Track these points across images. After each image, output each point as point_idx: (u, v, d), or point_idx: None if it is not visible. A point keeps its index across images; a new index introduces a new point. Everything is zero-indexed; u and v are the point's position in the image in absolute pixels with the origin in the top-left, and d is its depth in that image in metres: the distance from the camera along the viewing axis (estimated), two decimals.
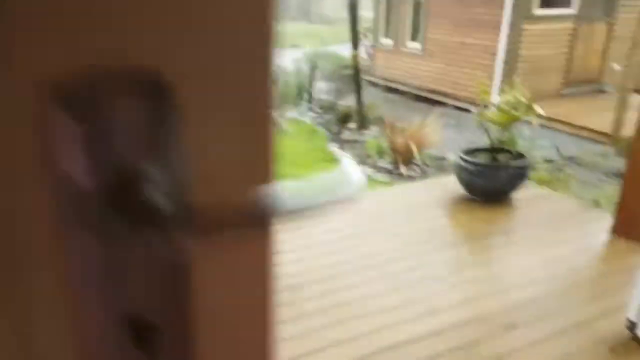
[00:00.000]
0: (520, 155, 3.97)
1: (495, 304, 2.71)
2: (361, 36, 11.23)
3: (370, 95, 9.67)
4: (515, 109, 3.71)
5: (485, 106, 3.87)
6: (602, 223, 3.37)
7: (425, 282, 2.84)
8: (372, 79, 12.03)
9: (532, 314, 2.54)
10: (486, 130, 3.84)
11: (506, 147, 3.99)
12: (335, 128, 8.54)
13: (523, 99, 3.71)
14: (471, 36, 10.00)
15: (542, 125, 4.12)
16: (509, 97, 3.69)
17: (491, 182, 3.92)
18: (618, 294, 2.55)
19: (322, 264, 2.99)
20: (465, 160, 3.95)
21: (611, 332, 2.28)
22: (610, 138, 7.31)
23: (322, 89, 10.21)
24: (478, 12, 9.86)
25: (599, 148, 7.23)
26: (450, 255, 3.37)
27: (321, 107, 9.73)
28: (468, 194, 4.02)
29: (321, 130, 8.57)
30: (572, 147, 7.25)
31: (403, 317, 2.48)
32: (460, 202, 4.17)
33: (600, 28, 9.78)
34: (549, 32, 9.41)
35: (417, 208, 4.06)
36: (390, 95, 11.34)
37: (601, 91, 10.40)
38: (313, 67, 9.97)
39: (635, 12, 9.45)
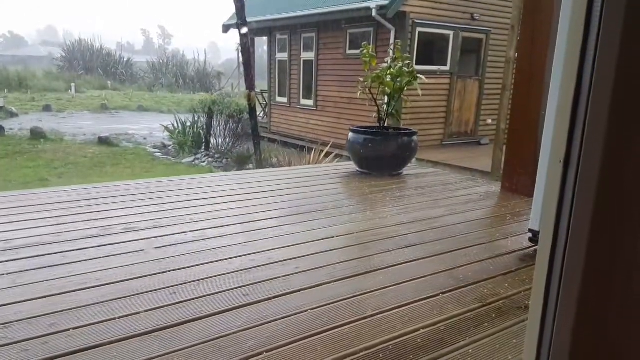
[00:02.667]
0: (409, 131, 4.03)
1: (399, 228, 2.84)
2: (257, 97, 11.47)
3: (267, 147, 9.78)
4: (400, 77, 3.80)
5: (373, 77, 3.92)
6: (488, 186, 3.96)
7: (318, 221, 3.02)
8: (269, 135, 12.17)
9: (440, 236, 2.78)
10: (373, 99, 3.88)
11: (394, 126, 4.02)
12: (233, 170, 8.38)
13: (407, 69, 3.82)
14: (357, 91, 10.60)
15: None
16: (394, 67, 3.79)
17: (382, 152, 3.90)
18: (514, 225, 2.94)
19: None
20: (357, 132, 3.92)
21: (518, 248, 2.53)
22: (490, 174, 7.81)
23: (220, 134, 10.08)
24: (362, 69, 10.53)
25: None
26: (345, 204, 3.27)
27: (218, 152, 9.59)
28: (361, 169, 3.97)
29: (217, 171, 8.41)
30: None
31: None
32: (354, 175, 4.14)
33: (472, 85, 10.84)
34: (429, 86, 10.22)
35: (312, 179, 3.96)
36: (287, 149, 11.46)
37: (478, 143, 11.31)
38: (210, 114, 9.85)
39: (499, 72, 10.69)
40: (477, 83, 10.82)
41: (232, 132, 10.09)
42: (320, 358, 1.46)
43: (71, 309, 1.69)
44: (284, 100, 12.38)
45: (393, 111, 3.98)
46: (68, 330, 1.56)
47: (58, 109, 17.96)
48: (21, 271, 1.97)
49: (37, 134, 11.62)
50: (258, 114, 12.45)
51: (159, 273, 2.03)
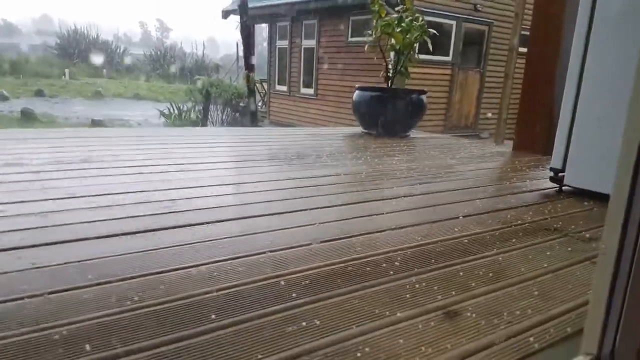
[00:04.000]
0: (419, 91, 3.86)
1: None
2: (257, 85, 11.29)
3: None
4: (410, 32, 3.64)
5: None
6: (500, 147, 4.03)
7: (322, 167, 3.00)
8: (268, 124, 11.98)
9: (455, 177, 2.78)
10: (381, 52, 3.70)
11: (401, 88, 3.85)
12: None
13: (417, 23, 3.66)
14: (359, 80, 10.40)
15: None
16: (405, 19, 3.62)
17: (389, 111, 3.73)
18: (531, 172, 2.87)
19: None
20: (364, 89, 3.74)
21: (538, 188, 2.48)
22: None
23: (217, 119, 9.86)
24: (365, 57, 10.36)
25: None
26: (351, 157, 3.12)
27: None
28: (366, 130, 3.81)
29: None
30: None
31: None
32: (360, 136, 4.00)
33: (474, 77, 10.70)
34: (431, 76, 10.08)
35: (315, 137, 3.83)
36: None
37: (477, 137, 11.16)
38: (207, 97, 9.64)
39: (500, 65, 10.57)
40: (479, 75, 10.68)
41: (229, 117, 9.87)
42: (333, 259, 1.32)
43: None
44: (284, 88, 12.20)
45: (402, 69, 3.81)
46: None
47: (51, 95, 17.69)
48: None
49: (28, 116, 11.37)
50: (257, 102, 12.25)
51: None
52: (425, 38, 3.82)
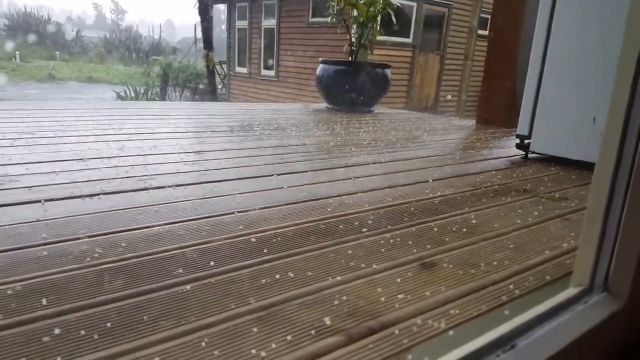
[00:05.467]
0: (384, 65, 3.84)
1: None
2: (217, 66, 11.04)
3: None
4: (373, 4, 3.59)
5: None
6: (464, 121, 4.00)
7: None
8: None
9: (421, 146, 2.83)
10: (345, 25, 3.65)
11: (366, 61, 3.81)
12: None
13: None
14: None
15: None
16: None
17: (354, 85, 3.68)
18: (496, 141, 2.93)
19: None
20: (327, 63, 3.68)
21: (505, 155, 2.51)
22: None
23: (175, 101, 9.59)
24: (327, 38, 10.28)
25: None
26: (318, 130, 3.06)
27: None
28: (330, 105, 3.76)
29: None
30: None
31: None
32: (323, 111, 3.96)
33: (434, 59, 10.80)
34: (392, 58, 10.09)
35: (282, 112, 3.75)
36: None
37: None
38: (164, 78, 9.35)
39: (460, 47, 10.72)
40: (439, 58, 10.79)
41: (188, 99, 9.63)
42: (304, 218, 1.29)
43: None
44: (244, 70, 11.99)
45: (366, 42, 3.77)
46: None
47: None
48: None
49: None
50: (217, 84, 12.02)
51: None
52: (389, 10, 3.78)
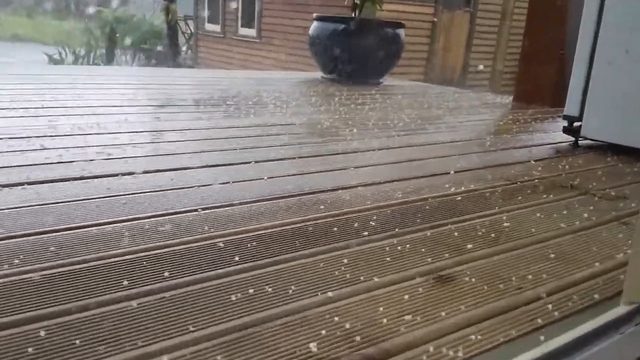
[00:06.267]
0: (396, 24, 3.84)
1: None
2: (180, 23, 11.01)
3: None
4: None
5: None
6: (498, 98, 4.08)
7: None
8: None
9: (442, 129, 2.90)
10: None
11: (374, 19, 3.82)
12: None
13: None
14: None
15: None
16: None
17: (358, 49, 3.69)
18: (538, 124, 2.99)
19: None
20: (324, 20, 3.68)
21: (549, 142, 2.56)
22: None
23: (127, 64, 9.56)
24: None
25: None
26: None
27: None
28: (327, 74, 3.78)
29: None
30: None
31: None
32: (320, 82, 3.98)
33: (462, 18, 10.79)
34: (408, 15, 10.06)
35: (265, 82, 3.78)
36: None
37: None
38: (111, 37, 9.30)
39: (495, 3, 10.73)
40: (468, 16, 10.79)
41: (143, 64, 9.59)
42: (287, 218, 1.31)
43: None
44: (216, 28, 11.96)
45: None
46: None
47: None
48: None
49: None
50: (181, 46, 12.00)
51: None
52: None
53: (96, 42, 10.32)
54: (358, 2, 3.81)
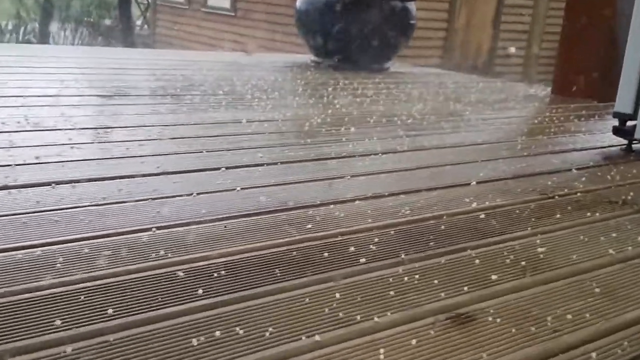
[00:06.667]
0: None
1: None
2: None
3: None
4: None
5: None
6: (532, 89, 4.23)
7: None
8: None
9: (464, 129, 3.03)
10: None
11: None
12: None
13: None
14: None
15: None
16: None
17: (357, 26, 3.71)
18: (583, 122, 3.08)
19: None
20: None
21: (595, 145, 2.59)
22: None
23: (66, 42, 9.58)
24: None
25: None
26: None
27: None
28: (317, 58, 3.83)
29: None
30: None
31: None
32: (310, 66, 4.05)
33: None
34: None
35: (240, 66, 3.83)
36: None
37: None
38: (47, 9, 9.31)
39: None
40: None
41: (85, 42, 9.60)
42: (264, 240, 1.33)
43: None
44: None
45: None
46: None
47: None
48: None
49: None
50: (135, 20, 12.04)
51: None
52: None
53: (27, 14, 10.31)
54: None
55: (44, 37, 10.18)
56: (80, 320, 0.93)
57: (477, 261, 1.28)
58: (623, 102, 2.37)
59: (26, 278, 1.05)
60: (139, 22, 12.01)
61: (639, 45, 2.33)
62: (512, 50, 11.36)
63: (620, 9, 3.35)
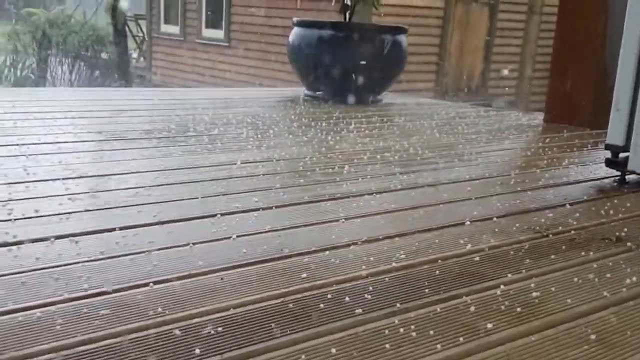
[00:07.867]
0: (397, 29, 3.90)
1: None
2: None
3: None
4: None
5: None
6: (524, 118, 4.25)
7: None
8: (150, 86, 11.79)
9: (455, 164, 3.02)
10: None
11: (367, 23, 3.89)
12: None
13: None
14: (298, 16, 10.40)
15: None
16: None
17: (349, 61, 3.74)
18: (576, 153, 3.10)
19: None
20: (306, 26, 3.74)
21: (588, 178, 2.61)
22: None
23: (62, 79, 9.61)
24: None
25: None
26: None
27: None
28: (312, 92, 3.83)
29: None
30: None
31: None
32: (304, 101, 4.06)
33: (480, 13, 10.93)
34: (413, 10, 10.17)
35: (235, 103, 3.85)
36: None
37: (487, 107, 11.41)
38: (44, 43, 9.36)
39: None
40: (488, 10, 10.92)
41: (83, 76, 9.64)
42: (261, 292, 1.33)
43: None
44: (175, 30, 12.06)
45: None
46: None
47: None
48: None
49: None
50: (131, 52, 12.11)
51: None
52: None
53: (25, 49, 10.36)
54: (349, 2, 3.86)
55: (42, 71, 10.22)
56: None
57: (472, 308, 1.28)
58: (615, 133, 2.38)
59: (26, 341, 1.05)
60: (135, 55, 12.05)
61: (629, 76, 2.34)
62: (505, 72, 11.42)
63: (614, 32, 3.36)
